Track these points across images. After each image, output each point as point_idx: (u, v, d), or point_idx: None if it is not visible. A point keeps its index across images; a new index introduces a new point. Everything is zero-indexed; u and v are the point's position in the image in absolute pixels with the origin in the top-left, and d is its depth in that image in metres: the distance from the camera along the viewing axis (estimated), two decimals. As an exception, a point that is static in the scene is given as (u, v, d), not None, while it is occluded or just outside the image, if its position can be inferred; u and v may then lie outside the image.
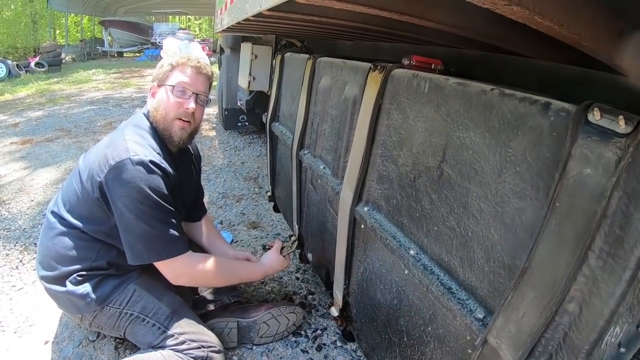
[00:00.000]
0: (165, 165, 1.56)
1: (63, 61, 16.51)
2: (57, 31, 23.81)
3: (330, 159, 1.75)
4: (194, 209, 2.10)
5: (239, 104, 4.85)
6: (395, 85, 1.24)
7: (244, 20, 1.87)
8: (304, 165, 2.05)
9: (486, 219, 0.93)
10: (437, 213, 1.09)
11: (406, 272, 1.22)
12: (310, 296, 2.52)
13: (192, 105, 1.67)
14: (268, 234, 3.25)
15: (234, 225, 3.38)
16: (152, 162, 1.51)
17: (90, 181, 1.57)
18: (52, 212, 1.74)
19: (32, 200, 3.77)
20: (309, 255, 2.17)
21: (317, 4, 0.96)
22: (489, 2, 0.58)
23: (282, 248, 2.05)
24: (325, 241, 1.88)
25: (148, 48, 20.31)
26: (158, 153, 1.59)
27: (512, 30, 0.97)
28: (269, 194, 2.98)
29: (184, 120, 1.68)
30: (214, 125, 6.55)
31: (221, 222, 3.40)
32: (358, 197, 1.43)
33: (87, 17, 23.78)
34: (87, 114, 7.32)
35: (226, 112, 5.23)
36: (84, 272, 1.64)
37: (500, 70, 1.34)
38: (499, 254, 0.90)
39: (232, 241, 3.11)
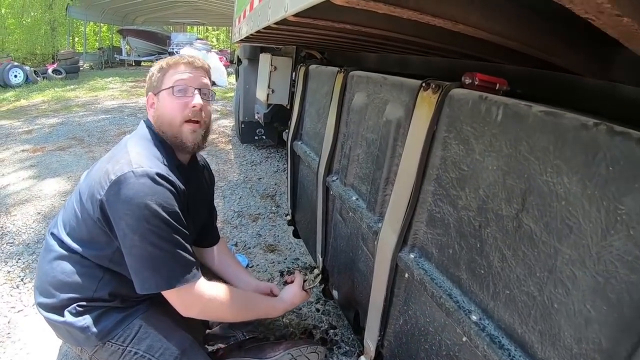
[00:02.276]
0: (173, 177, 1.41)
1: (81, 69, 16.69)
2: (76, 39, 24.05)
3: (365, 190, 1.53)
4: (206, 232, 1.93)
5: (256, 116, 4.70)
6: (455, 109, 1.02)
7: (264, 28, 1.69)
8: (331, 193, 1.82)
9: (581, 290, 0.72)
10: (510, 273, 0.87)
11: (464, 339, 0.99)
12: (332, 331, 2.33)
13: (198, 100, 1.53)
14: (286, 259, 3.07)
15: (249, 247, 3.22)
16: (158, 174, 1.36)
17: (91, 200, 1.41)
18: (52, 234, 1.59)
19: (39, 213, 3.65)
20: (335, 293, 1.95)
21: (357, 7, 0.77)
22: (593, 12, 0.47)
23: (304, 282, 1.86)
24: (356, 281, 1.66)
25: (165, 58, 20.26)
26: (165, 165, 1.43)
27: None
28: (289, 217, 2.75)
29: (193, 122, 1.54)
30: (230, 138, 6.45)
31: (236, 245, 3.24)
32: (402, 241, 1.20)
33: (105, 25, 24.06)
34: (101, 123, 7.29)
35: (243, 125, 5.06)
36: (84, 303, 1.49)
37: (568, 92, 1.11)
38: (596, 335, 0.69)
39: (247, 265, 2.94)
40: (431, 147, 1.09)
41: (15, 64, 13.52)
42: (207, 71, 1.63)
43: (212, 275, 1.86)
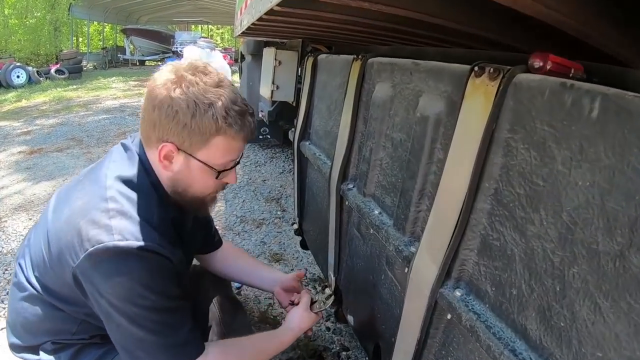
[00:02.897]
0: (165, 248, 1.14)
1: (84, 68, 16.78)
2: (80, 39, 23.98)
3: (390, 202, 1.26)
4: (204, 242, 1.74)
5: (260, 115, 4.47)
6: (525, 101, 0.75)
7: (266, 13, 1.47)
8: (346, 203, 1.55)
9: None
10: (605, 330, 0.61)
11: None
12: (345, 353, 2.12)
13: (235, 177, 1.32)
14: (293, 269, 2.84)
15: (253, 256, 2.97)
16: (145, 248, 1.09)
17: (59, 260, 1.15)
18: (20, 266, 1.35)
19: (30, 219, 3.49)
20: (350, 318, 1.69)
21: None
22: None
23: (313, 302, 1.62)
24: (377, 310, 1.40)
25: (169, 57, 20.18)
26: (154, 228, 1.14)
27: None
28: (295, 226, 2.49)
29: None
30: (234, 137, 6.18)
31: None
32: (445, 273, 0.93)
33: (109, 25, 24.02)
34: (101, 123, 7.23)
35: (247, 124, 4.79)
36: (61, 340, 1.33)
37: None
38: None
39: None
40: (488, 152, 0.82)
41: (18, 64, 13.42)
42: None
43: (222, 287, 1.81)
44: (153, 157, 1.20)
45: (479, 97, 0.83)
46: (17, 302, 1.31)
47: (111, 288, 1.09)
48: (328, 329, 2.25)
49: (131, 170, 1.20)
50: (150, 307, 1.11)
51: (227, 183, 1.30)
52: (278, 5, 1.27)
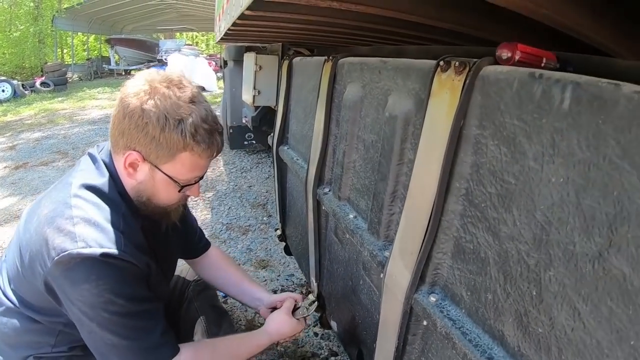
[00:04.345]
0: (130, 254, 1.13)
1: (69, 80, 16.63)
2: (65, 50, 23.80)
3: (364, 206, 1.22)
4: (189, 247, 1.73)
5: (244, 120, 4.43)
6: (492, 94, 0.70)
7: (233, 25, 1.52)
8: (323, 207, 1.51)
9: None
10: (585, 337, 0.57)
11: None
12: (333, 358, 2.08)
13: (198, 191, 1.32)
14: (279, 276, 2.79)
15: (239, 264, 2.92)
16: (109, 255, 1.08)
17: (32, 269, 1.15)
18: None
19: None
20: (333, 324, 1.64)
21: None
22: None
23: (296, 309, 1.58)
24: (358, 316, 1.35)
25: (154, 65, 20.10)
26: (120, 234, 1.13)
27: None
28: (279, 232, 2.44)
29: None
30: (219, 144, 6.13)
31: None
32: (419, 277, 0.89)
33: (93, 35, 23.77)
34: (86, 134, 7.19)
35: (231, 130, 4.77)
36: (41, 355, 1.32)
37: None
38: None
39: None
40: (457, 151, 0.77)
41: (2, 78, 13.30)
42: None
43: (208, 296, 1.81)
44: (119, 164, 1.19)
45: (445, 93, 0.78)
46: None
47: (80, 295, 1.08)
48: (316, 334, 2.21)
49: (98, 178, 1.20)
50: (119, 312, 1.11)
51: (189, 195, 1.31)
52: (248, 9, 1.24)
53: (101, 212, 1.14)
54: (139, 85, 1.11)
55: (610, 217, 0.52)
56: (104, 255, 1.07)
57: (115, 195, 1.19)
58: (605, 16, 0.74)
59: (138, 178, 1.19)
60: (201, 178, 1.27)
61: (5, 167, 5.39)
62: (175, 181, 1.18)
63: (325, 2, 0.99)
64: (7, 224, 3.64)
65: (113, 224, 1.13)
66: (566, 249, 0.59)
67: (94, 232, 1.09)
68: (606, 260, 0.53)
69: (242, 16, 1.37)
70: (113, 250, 1.09)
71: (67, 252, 1.05)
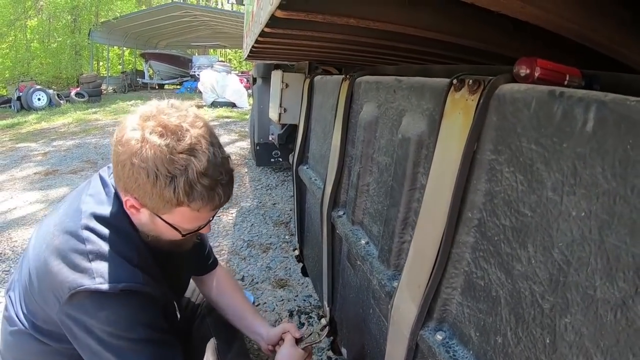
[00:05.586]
0: (148, 285, 1.13)
1: (104, 92, 17.01)
2: (100, 62, 24.54)
3: (377, 232, 1.16)
4: (196, 264, 1.68)
5: (270, 138, 4.43)
6: (509, 115, 0.64)
7: (256, 42, 1.53)
8: (337, 231, 1.45)
9: None
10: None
11: None
12: None
13: (209, 227, 1.27)
14: (297, 296, 2.73)
15: (257, 282, 2.91)
16: (129, 289, 1.08)
17: (45, 299, 1.14)
18: (10, 298, 1.31)
19: None
20: (344, 351, 1.58)
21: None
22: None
23: (302, 338, 1.54)
24: (368, 346, 1.30)
25: (187, 80, 20.56)
26: (135, 267, 1.12)
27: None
28: (297, 252, 2.39)
29: None
30: (247, 160, 6.24)
31: (242, 279, 2.95)
32: (426, 312, 0.82)
33: (128, 49, 24.45)
34: None
35: (258, 147, 4.77)
36: None
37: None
38: None
39: (252, 303, 2.60)
40: (469, 177, 0.71)
41: (38, 87, 13.73)
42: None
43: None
44: (123, 203, 1.14)
45: (459, 114, 0.73)
46: (9, 335, 1.28)
47: (99, 324, 1.07)
48: (329, 358, 2.13)
49: (108, 208, 1.16)
50: (138, 340, 1.10)
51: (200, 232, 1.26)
52: (267, 26, 1.23)
53: (115, 246, 1.11)
54: (131, 132, 1.02)
55: (638, 260, 0.46)
56: (124, 289, 1.06)
57: (126, 227, 1.16)
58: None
59: (141, 220, 1.14)
60: (210, 221, 1.22)
61: (35, 173, 5.50)
62: (177, 229, 1.14)
63: (342, 19, 0.97)
64: (32, 228, 3.67)
65: (128, 257, 1.11)
66: (585, 294, 0.53)
67: (110, 267, 1.07)
68: (630, 310, 0.47)
69: (262, 33, 1.37)
70: (132, 284, 1.08)
71: (84, 287, 1.03)
